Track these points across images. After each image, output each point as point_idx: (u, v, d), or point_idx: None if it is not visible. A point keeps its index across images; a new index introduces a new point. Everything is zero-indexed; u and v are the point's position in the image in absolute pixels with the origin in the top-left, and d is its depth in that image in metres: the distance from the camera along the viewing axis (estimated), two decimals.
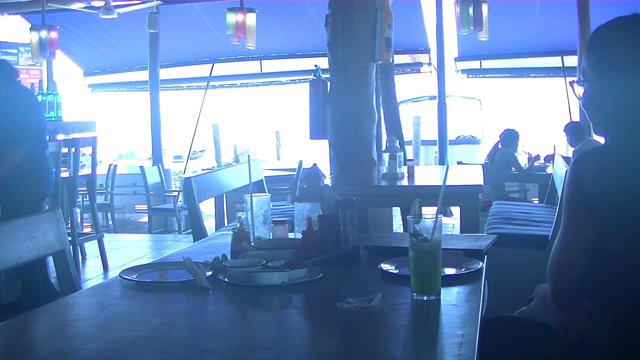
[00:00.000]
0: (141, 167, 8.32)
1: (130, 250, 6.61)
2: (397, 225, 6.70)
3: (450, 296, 1.59)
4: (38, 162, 4.16)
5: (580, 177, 1.46)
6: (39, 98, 5.72)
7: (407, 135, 8.45)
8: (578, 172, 1.47)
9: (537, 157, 7.56)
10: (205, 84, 10.69)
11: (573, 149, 6.93)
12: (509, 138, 7.39)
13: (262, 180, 4.46)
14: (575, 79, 1.61)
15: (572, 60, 8.69)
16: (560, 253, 1.53)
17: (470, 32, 5.63)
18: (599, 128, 1.55)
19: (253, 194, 2.11)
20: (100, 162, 9.61)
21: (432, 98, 13.94)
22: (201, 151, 16.67)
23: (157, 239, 7.59)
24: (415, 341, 1.37)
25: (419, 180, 3.81)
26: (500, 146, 7.42)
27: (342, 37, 4.56)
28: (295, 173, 6.99)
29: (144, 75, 9.77)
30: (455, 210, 7.57)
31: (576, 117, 8.26)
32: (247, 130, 22.90)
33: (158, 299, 1.68)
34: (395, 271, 1.77)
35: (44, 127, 4.27)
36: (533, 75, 10.28)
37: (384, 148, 4.46)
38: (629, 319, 1.45)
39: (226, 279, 1.73)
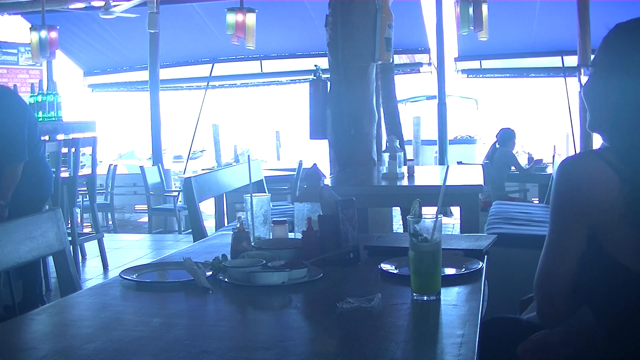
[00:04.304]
0: (141, 167, 8.33)
1: (130, 250, 6.61)
2: (397, 225, 6.71)
3: (450, 296, 1.59)
4: (35, 165, 3.97)
5: (571, 181, 1.43)
6: (39, 98, 5.72)
7: (407, 135, 8.46)
8: (569, 176, 1.44)
9: (539, 161, 7.55)
10: (205, 84, 10.69)
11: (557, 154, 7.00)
12: (506, 137, 7.40)
13: (262, 180, 4.46)
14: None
15: (572, 60, 8.70)
16: (548, 262, 1.48)
17: (470, 32, 5.62)
18: (595, 122, 1.53)
19: (253, 194, 2.11)
20: (100, 162, 9.63)
21: (429, 98, 13.97)
22: (201, 151, 16.69)
23: (157, 239, 7.59)
24: (415, 341, 1.37)
25: (419, 180, 3.81)
26: (497, 146, 7.43)
27: (342, 37, 4.56)
28: (295, 173, 6.99)
29: (144, 75, 9.77)
30: (455, 210, 7.57)
31: (576, 116, 8.26)
32: (247, 130, 22.92)
33: (158, 299, 1.68)
34: (395, 271, 1.77)
35: (36, 128, 4.03)
36: (533, 75, 10.28)
37: (384, 148, 4.46)
38: (625, 328, 1.44)
39: (226, 279, 1.73)
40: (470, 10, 5.47)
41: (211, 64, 10.44)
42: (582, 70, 6.86)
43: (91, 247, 5.91)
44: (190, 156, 11.60)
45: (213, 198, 5.62)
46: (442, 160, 8.83)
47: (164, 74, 9.67)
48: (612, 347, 1.46)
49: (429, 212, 1.59)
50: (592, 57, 1.55)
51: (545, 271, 1.49)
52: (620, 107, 1.46)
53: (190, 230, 4.21)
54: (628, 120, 1.45)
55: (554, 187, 1.47)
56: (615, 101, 1.47)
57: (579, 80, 7.10)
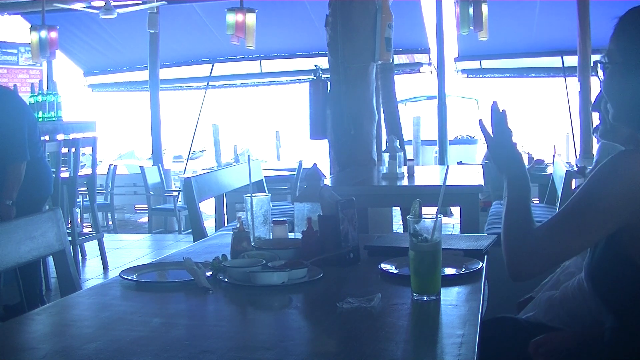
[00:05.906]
0: (141, 167, 8.32)
1: (130, 250, 6.61)
2: (397, 225, 6.70)
3: (450, 296, 1.59)
4: (35, 165, 3.95)
5: (628, 174, 1.34)
6: (39, 98, 5.72)
7: (407, 135, 8.46)
8: (627, 169, 1.34)
9: (540, 162, 7.55)
10: (205, 84, 10.68)
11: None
12: None
13: (262, 180, 4.46)
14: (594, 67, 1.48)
15: (572, 60, 8.69)
16: (562, 232, 1.39)
17: (470, 32, 5.62)
18: (623, 115, 1.44)
19: (253, 194, 2.11)
20: (100, 162, 9.61)
21: (429, 98, 13.95)
22: (201, 151, 16.66)
23: (157, 239, 7.59)
24: (415, 341, 1.37)
25: (419, 180, 3.81)
26: None
27: (342, 37, 4.56)
28: (295, 173, 6.99)
29: (144, 75, 9.77)
30: (455, 210, 7.57)
31: (576, 117, 8.25)
32: (247, 130, 22.91)
33: (158, 299, 1.68)
34: (395, 271, 1.77)
35: (36, 128, 4.02)
36: (533, 75, 10.28)
37: (384, 148, 4.46)
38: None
39: (226, 279, 1.73)
40: (470, 10, 5.48)
41: (211, 64, 10.43)
42: (581, 71, 6.82)
43: (91, 247, 5.91)
44: (190, 156, 11.59)
45: (213, 198, 5.62)
46: (442, 160, 8.82)
47: (164, 74, 9.66)
48: (631, 348, 1.44)
49: (429, 212, 1.59)
50: (608, 49, 1.43)
51: (556, 238, 1.40)
52: None
53: (190, 230, 4.21)
54: None
55: (604, 171, 1.37)
56: None
57: (579, 80, 7.09)
